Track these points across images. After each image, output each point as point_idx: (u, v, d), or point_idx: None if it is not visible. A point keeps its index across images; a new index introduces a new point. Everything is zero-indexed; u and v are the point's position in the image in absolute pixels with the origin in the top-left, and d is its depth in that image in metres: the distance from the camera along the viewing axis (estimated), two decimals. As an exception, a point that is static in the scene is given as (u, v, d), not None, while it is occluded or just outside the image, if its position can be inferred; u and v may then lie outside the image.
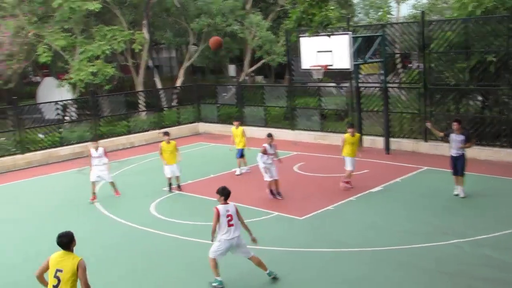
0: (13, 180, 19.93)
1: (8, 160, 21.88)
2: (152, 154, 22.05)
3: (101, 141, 24.16)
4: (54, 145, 23.37)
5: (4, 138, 23.17)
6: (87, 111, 26.39)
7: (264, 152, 14.72)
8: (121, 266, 11.21)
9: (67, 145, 23.07)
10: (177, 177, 16.57)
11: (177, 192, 16.45)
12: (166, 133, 16.67)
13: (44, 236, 13.24)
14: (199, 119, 28.54)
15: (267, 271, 9.81)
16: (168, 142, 16.31)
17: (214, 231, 9.56)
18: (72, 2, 25.92)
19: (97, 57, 26.98)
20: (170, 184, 16.53)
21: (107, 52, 26.94)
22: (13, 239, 13.52)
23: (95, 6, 26.13)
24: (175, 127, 27.06)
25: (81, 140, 23.83)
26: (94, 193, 16.00)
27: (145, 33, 28.95)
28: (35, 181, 19.73)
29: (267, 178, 14.92)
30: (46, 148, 23.02)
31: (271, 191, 15.10)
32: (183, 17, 30.48)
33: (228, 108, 27.90)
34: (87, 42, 27.45)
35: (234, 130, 18.58)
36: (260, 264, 9.80)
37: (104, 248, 12.31)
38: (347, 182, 15.50)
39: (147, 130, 26.42)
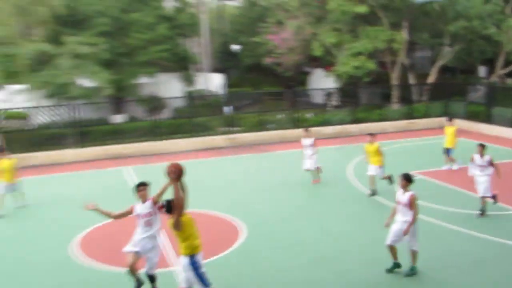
0: (288, 149, 21.38)
1: (286, 133, 23.54)
2: (400, 141, 21.83)
3: (361, 125, 24.69)
4: (320, 124, 24.48)
5: (282, 115, 25.04)
6: (348, 99, 26.99)
7: (472, 161, 12.26)
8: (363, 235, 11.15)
9: (330, 125, 23.88)
10: (372, 176, 14.13)
11: (421, 177, 15.65)
12: (371, 134, 14.32)
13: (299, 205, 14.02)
14: (446, 114, 26.88)
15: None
16: (371, 143, 14.09)
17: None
18: (343, 5, 26.55)
19: (360, 53, 27.26)
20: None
21: (370, 49, 27.02)
22: (265, 203, 14.55)
23: (362, 9, 26.37)
24: (423, 119, 26.13)
25: (341, 122, 24.48)
26: (317, 178, 15.66)
27: (404, 34, 28.22)
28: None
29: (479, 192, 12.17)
30: (313, 126, 24.19)
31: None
32: (441, 19, 28.83)
33: (476, 107, 25.72)
34: (353, 40, 27.88)
35: (447, 128, 16.85)
36: None
37: (348, 217, 12.50)
38: None
39: (398, 120, 25.89)
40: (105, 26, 26.33)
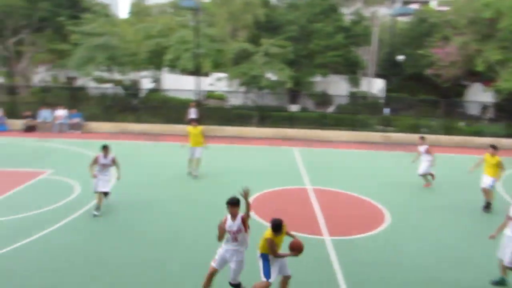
0: (438, 153, 19.52)
1: (437, 137, 21.48)
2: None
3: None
4: (472, 134, 21.94)
5: (434, 122, 23.02)
6: (504, 114, 23.68)
7: None
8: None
9: (482, 136, 21.23)
10: (485, 189, 11.95)
11: None
12: (493, 147, 11.93)
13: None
14: None
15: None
16: (493, 156, 11.81)
17: None
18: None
19: (524, 72, 23.53)
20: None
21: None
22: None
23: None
24: None
25: (494, 135, 21.58)
26: (427, 181, 13.89)
27: None
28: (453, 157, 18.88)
29: None
30: (465, 135, 21.83)
31: None
32: None
33: None
34: (518, 58, 24.20)
35: None
36: None
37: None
38: None
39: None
40: (293, 32, 26.93)
